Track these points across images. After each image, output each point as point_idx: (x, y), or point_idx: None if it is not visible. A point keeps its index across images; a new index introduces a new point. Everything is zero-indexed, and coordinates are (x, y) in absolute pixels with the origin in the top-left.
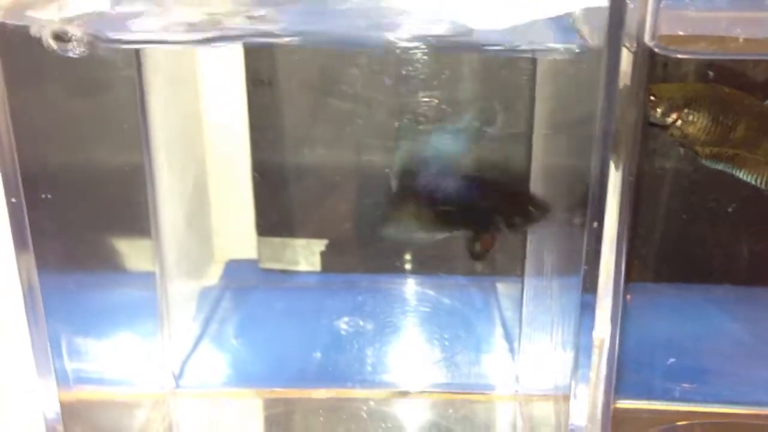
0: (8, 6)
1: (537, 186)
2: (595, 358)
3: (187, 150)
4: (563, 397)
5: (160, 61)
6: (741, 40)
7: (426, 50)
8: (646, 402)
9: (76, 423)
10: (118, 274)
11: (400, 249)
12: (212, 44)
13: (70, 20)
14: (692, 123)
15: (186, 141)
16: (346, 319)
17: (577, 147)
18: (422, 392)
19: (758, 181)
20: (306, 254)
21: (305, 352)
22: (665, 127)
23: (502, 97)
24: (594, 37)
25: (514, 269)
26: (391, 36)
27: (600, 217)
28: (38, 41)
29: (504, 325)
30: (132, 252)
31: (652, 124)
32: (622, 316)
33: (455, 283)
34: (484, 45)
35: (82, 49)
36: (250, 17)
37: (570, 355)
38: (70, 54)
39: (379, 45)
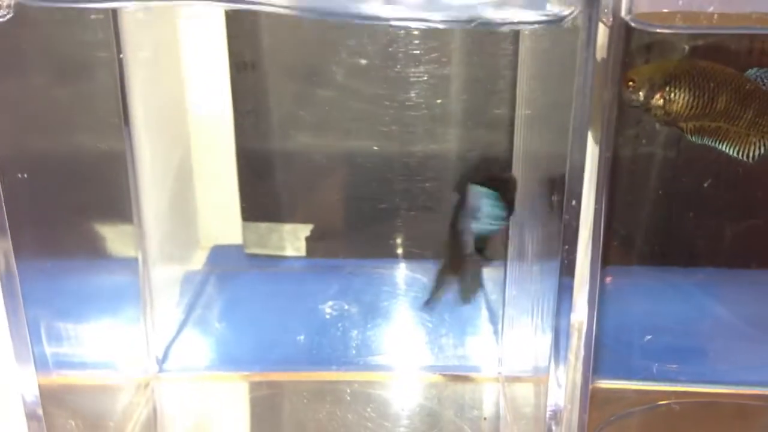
0: None
1: (519, 169)
2: (573, 339)
3: (170, 134)
4: (543, 379)
5: (141, 42)
6: (715, 15)
7: (401, 28)
8: (626, 382)
9: (57, 408)
10: (99, 259)
11: (385, 234)
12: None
13: None
14: (675, 100)
15: (169, 125)
16: (331, 303)
17: (556, 127)
18: (407, 375)
19: (741, 153)
20: (291, 239)
21: (290, 336)
22: (649, 109)
23: (486, 77)
24: (568, 8)
25: (497, 252)
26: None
27: (578, 195)
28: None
29: (488, 308)
30: (113, 237)
31: (635, 107)
32: (602, 298)
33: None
34: (459, 20)
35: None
36: None
37: (549, 336)
38: None
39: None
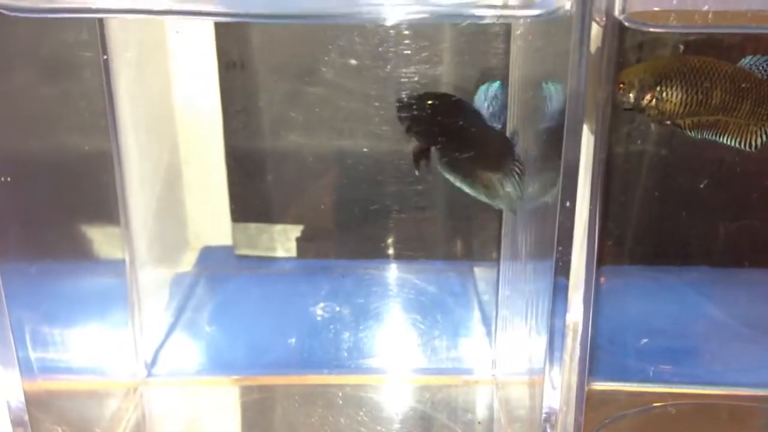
0: None
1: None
2: (568, 340)
3: (158, 135)
4: (538, 381)
5: (127, 42)
6: (710, 14)
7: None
8: (621, 384)
9: (44, 414)
10: (85, 261)
11: (377, 234)
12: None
13: None
14: (667, 100)
15: (157, 126)
16: (322, 305)
17: (549, 127)
18: (399, 377)
19: (742, 144)
20: (282, 240)
21: (281, 339)
22: (642, 110)
23: (477, 77)
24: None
25: (490, 253)
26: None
27: (572, 196)
28: None
29: (481, 310)
30: (100, 239)
31: (628, 110)
32: (597, 299)
33: (432, 267)
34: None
35: None
36: None
37: (544, 338)
38: None
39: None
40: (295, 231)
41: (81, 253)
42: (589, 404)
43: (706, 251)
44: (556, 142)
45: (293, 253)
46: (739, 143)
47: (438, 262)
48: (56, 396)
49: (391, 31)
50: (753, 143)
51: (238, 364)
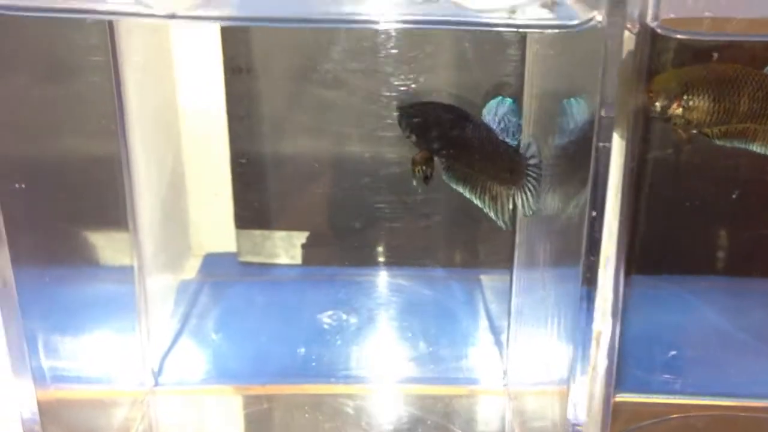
0: None
1: None
2: (594, 351)
3: (163, 140)
4: (560, 391)
5: (135, 46)
6: (743, 20)
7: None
8: (639, 395)
9: (52, 423)
10: (94, 268)
11: (382, 241)
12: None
13: None
14: (694, 108)
15: (162, 130)
16: (330, 313)
17: (572, 136)
18: (407, 387)
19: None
20: (286, 247)
21: (287, 347)
22: (668, 119)
23: (490, 83)
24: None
25: (500, 261)
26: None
27: (600, 206)
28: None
29: (489, 319)
30: (109, 245)
31: (654, 118)
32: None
33: (439, 275)
34: (478, 24)
35: None
36: None
37: (568, 348)
38: None
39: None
40: (300, 237)
41: (90, 259)
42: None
43: (732, 261)
44: (582, 152)
45: (298, 260)
46: None
47: (445, 270)
48: (65, 405)
49: (401, 36)
50: None
51: (244, 373)
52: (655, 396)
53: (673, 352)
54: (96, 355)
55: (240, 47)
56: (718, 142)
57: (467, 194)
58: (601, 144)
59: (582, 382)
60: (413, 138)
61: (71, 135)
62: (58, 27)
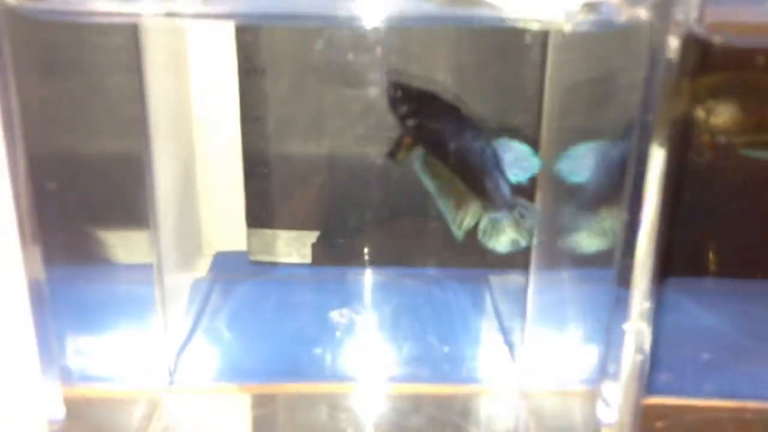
0: None
1: (547, 174)
2: (627, 352)
3: (178, 138)
4: (586, 392)
5: (158, 46)
6: None
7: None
8: (668, 397)
9: (75, 421)
10: (117, 266)
11: (393, 241)
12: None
13: None
14: (718, 114)
15: (177, 129)
16: (341, 312)
17: (601, 138)
18: (419, 387)
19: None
20: (297, 246)
21: (299, 347)
22: (694, 124)
23: (507, 81)
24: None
25: (515, 262)
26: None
27: (638, 209)
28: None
29: (504, 319)
30: (132, 243)
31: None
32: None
33: (451, 275)
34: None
35: None
36: None
37: (597, 349)
38: None
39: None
40: (311, 237)
41: (114, 257)
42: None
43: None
44: (619, 155)
45: (308, 259)
46: None
47: (457, 270)
48: (88, 404)
49: (418, 36)
50: None
51: (259, 373)
52: (684, 398)
53: (705, 355)
54: (117, 354)
55: (254, 48)
56: (744, 152)
57: (433, 188)
58: (640, 148)
59: (613, 383)
60: (408, 122)
61: (99, 134)
62: (86, 28)
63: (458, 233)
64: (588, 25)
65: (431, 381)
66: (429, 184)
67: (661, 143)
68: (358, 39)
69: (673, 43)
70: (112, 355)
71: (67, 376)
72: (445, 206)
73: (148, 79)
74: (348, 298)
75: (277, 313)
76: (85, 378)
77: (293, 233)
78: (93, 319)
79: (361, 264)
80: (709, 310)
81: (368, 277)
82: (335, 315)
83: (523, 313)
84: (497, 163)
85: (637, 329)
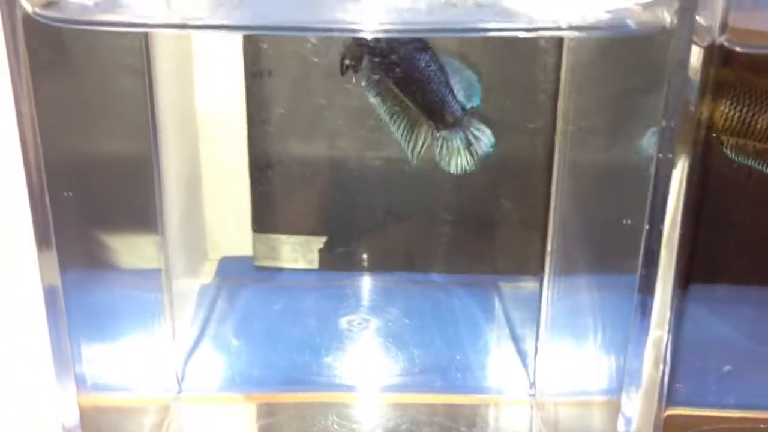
0: None
1: (563, 181)
2: (648, 362)
3: (184, 143)
4: (604, 402)
5: (166, 50)
6: None
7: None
8: (690, 408)
9: (85, 430)
10: (128, 272)
11: (401, 246)
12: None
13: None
14: (713, 111)
15: (184, 133)
16: (350, 319)
17: (621, 141)
18: (431, 396)
19: (725, 145)
20: (304, 251)
21: (307, 355)
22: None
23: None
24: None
25: (527, 268)
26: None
27: (660, 218)
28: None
29: (516, 327)
30: (142, 249)
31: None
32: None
33: (459, 281)
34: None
35: None
36: None
37: (617, 358)
38: None
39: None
40: (318, 242)
41: (124, 263)
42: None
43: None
44: (641, 161)
45: (315, 264)
46: None
47: (467, 276)
48: (100, 412)
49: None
50: None
51: (267, 381)
52: (705, 409)
53: (727, 367)
54: (127, 361)
55: (261, 51)
56: (730, 155)
57: (384, 114)
58: (662, 155)
59: (634, 394)
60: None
61: (108, 138)
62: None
63: (411, 158)
64: (607, 31)
65: (442, 390)
66: (379, 108)
67: (684, 150)
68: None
69: (697, 49)
70: (121, 363)
71: (81, 383)
72: (396, 131)
73: (157, 82)
74: (355, 304)
75: (284, 319)
76: (95, 386)
77: (300, 238)
78: (102, 326)
79: (369, 270)
80: (728, 319)
81: (376, 283)
82: (345, 323)
83: (535, 320)
84: (446, 83)
85: (657, 338)
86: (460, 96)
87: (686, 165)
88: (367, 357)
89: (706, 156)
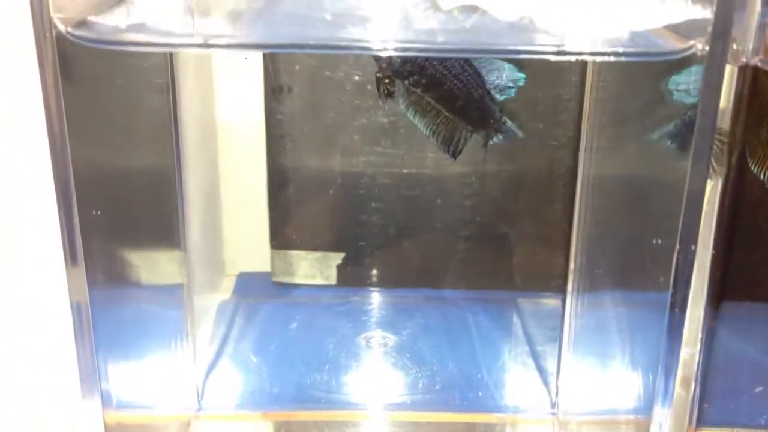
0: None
1: (588, 195)
2: (678, 381)
3: (203, 158)
4: (631, 421)
5: (189, 67)
6: None
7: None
8: (719, 428)
9: None
10: (149, 287)
11: (419, 262)
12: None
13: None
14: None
15: (203, 148)
16: (369, 336)
17: (649, 158)
18: (453, 414)
19: (760, 172)
20: (321, 267)
21: (326, 372)
22: None
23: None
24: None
25: (549, 285)
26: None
27: (692, 238)
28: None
29: (538, 344)
30: (166, 265)
31: None
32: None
33: (478, 297)
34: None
35: None
36: None
37: (646, 377)
38: None
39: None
40: (336, 258)
41: (149, 279)
42: None
43: None
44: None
45: (333, 280)
46: (757, 170)
47: (487, 293)
48: (124, 430)
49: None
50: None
51: (286, 398)
52: (736, 429)
53: (759, 388)
54: (150, 378)
55: (281, 67)
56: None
57: (424, 128)
58: (694, 174)
59: (664, 413)
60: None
61: (133, 154)
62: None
63: (451, 157)
64: (637, 57)
65: (461, 409)
66: (419, 123)
67: (720, 171)
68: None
69: (730, 72)
70: (144, 379)
71: (107, 402)
72: (437, 140)
73: (181, 99)
74: (373, 321)
75: (302, 337)
76: (119, 403)
77: (317, 254)
78: (126, 343)
79: (387, 286)
80: (760, 338)
81: (394, 299)
82: (364, 340)
83: (556, 338)
84: (483, 85)
85: (688, 357)
86: (502, 87)
87: (719, 185)
88: (385, 374)
89: (739, 176)
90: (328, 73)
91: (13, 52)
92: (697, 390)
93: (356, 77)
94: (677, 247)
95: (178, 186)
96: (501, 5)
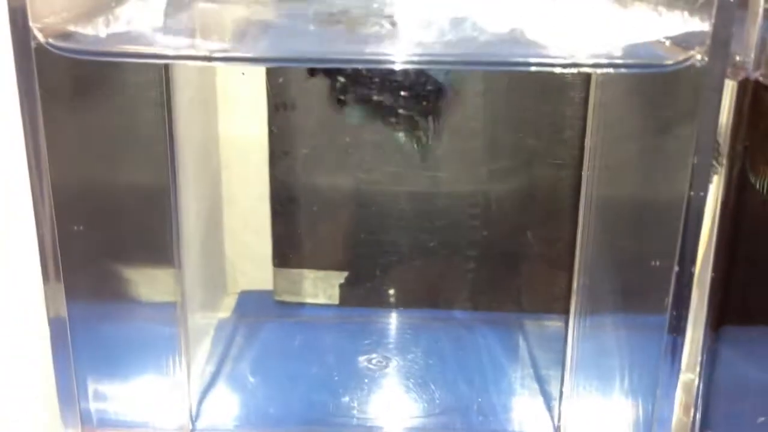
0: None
1: (590, 217)
2: (678, 407)
3: (203, 174)
4: None
5: (187, 81)
6: None
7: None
8: None
9: None
10: (140, 305)
11: (423, 283)
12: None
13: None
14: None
15: (203, 165)
16: (369, 356)
17: (649, 178)
18: None
19: (757, 183)
20: (324, 286)
21: (325, 393)
22: None
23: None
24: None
25: (551, 307)
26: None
27: (693, 259)
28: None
29: (540, 367)
30: (157, 282)
31: None
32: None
33: (482, 319)
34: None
35: None
36: None
37: (646, 401)
38: None
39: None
40: (339, 277)
41: (139, 297)
42: None
43: None
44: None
45: (336, 300)
46: (754, 180)
47: (490, 314)
48: None
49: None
50: None
51: (283, 419)
52: None
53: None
54: (138, 397)
55: (284, 83)
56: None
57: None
58: (693, 193)
59: None
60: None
61: (124, 170)
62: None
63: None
64: (635, 68)
65: None
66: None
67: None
68: (390, 73)
69: (730, 85)
70: (133, 399)
71: (87, 420)
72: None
73: (177, 114)
74: (376, 341)
75: (303, 357)
76: (107, 422)
77: (320, 273)
78: (113, 361)
79: (390, 306)
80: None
81: (397, 319)
82: (364, 361)
83: (560, 361)
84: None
85: (688, 382)
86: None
87: (718, 203)
88: (387, 397)
89: (739, 194)
90: (331, 89)
91: None
92: (698, 417)
93: (361, 92)
94: (675, 268)
95: (173, 202)
96: (493, 18)
